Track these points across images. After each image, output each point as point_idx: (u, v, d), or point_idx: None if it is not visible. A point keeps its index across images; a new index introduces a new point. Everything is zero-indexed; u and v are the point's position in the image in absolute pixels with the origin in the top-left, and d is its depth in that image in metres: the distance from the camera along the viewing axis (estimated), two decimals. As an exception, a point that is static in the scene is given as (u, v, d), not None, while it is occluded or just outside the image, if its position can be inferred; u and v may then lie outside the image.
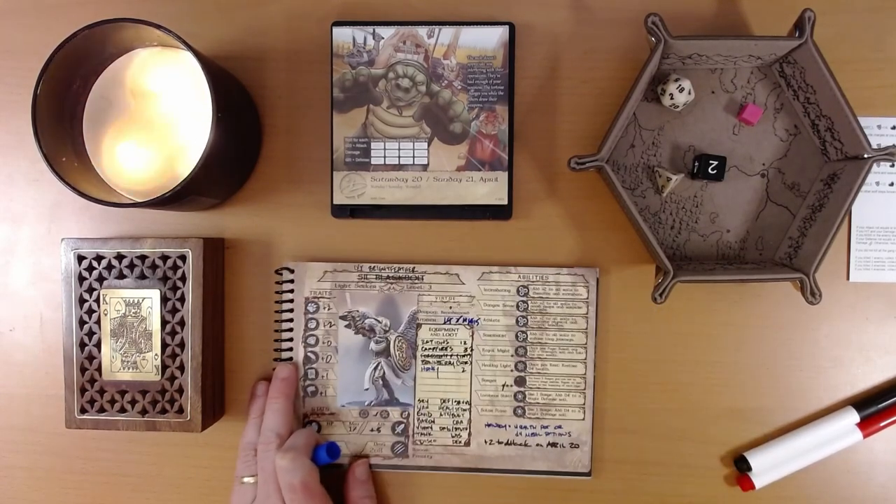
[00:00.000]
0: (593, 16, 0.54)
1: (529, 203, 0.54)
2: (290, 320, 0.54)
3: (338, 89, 0.53)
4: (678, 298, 0.54)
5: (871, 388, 0.54)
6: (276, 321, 0.54)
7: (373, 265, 0.54)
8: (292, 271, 0.54)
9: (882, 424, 0.53)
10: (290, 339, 0.54)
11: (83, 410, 0.52)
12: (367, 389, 0.54)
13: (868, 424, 0.53)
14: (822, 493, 0.54)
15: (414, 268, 0.54)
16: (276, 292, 0.54)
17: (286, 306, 0.54)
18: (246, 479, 0.50)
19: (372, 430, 0.54)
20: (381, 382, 0.54)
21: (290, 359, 0.54)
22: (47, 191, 0.56)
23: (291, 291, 0.54)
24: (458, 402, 0.54)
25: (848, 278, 0.54)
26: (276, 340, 0.54)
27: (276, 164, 0.55)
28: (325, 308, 0.54)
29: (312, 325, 0.54)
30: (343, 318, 0.54)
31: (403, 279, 0.54)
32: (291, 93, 0.55)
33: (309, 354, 0.54)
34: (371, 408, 0.54)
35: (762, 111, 0.52)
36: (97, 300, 0.53)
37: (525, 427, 0.54)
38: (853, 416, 0.53)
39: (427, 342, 0.54)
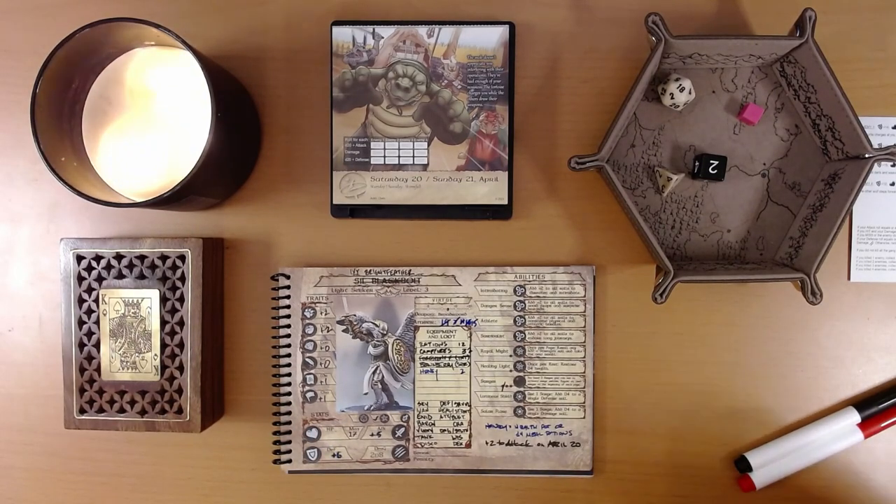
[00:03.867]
0: (593, 16, 0.54)
1: (529, 203, 0.54)
2: (288, 326, 0.54)
3: (337, 89, 0.53)
4: (678, 298, 0.54)
5: (872, 389, 0.54)
6: (274, 327, 0.54)
7: (369, 269, 0.54)
8: (288, 277, 0.54)
9: (883, 425, 0.53)
10: (289, 346, 0.54)
11: (82, 411, 0.52)
12: (366, 394, 0.54)
13: (869, 425, 0.53)
14: (822, 493, 0.54)
15: (410, 270, 0.54)
16: (273, 298, 0.54)
17: (283, 312, 0.54)
18: None
19: (372, 435, 0.54)
20: (380, 386, 0.54)
21: (289, 364, 0.54)
22: (46, 190, 0.56)
23: (288, 297, 0.54)
24: (458, 404, 0.54)
25: (849, 278, 0.54)
26: (274, 347, 0.54)
27: (276, 163, 0.55)
28: (322, 313, 0.54)
29: (310, 330, 0.54)
30: (340, 322, 0.54)
31: (400, 282, 0.54)
32: (291, 92, 0.55)
33: (307, 360, 0.54)
34: (371, 412, 0.54)
35: (763, 111, 0.52)
36: (96, 300, 0.52)
37: (526, 427, 0.54)
38: (854, 417, 0.53)
39: (425, 345, 0.54)
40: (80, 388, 0.52)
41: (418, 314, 0.54)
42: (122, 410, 0.52)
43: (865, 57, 0.53)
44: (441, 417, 0.54)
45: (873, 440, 0.54)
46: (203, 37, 0.55)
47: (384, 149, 0.53)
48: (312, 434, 0.54)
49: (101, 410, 0.52)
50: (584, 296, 0.54)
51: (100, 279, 0.53)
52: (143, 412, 0.52)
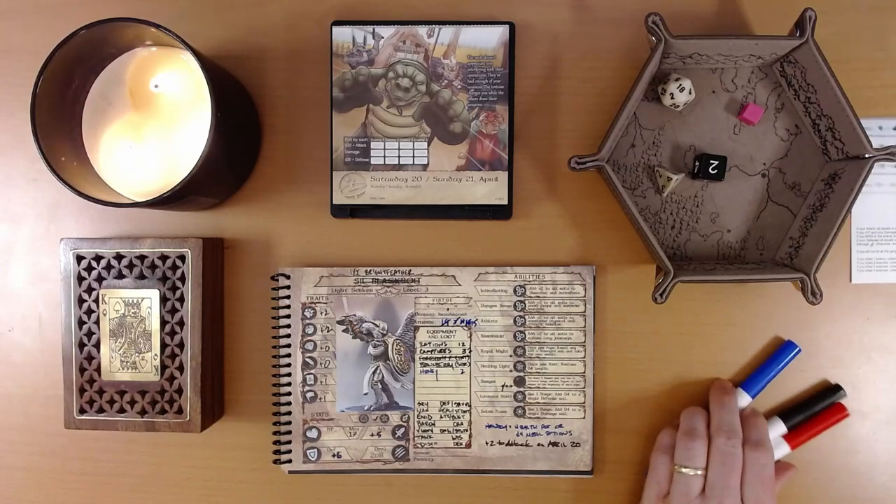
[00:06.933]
0: (593, 16, 0.54)
1: (529, 203, 0.54)
2: (288, 326, 0.54)
3: (337, 89, 0.53)
4: (678, 298, 0.54)
5: (797, 396, 0.54)
6: (274, 327, 0.54)
7: (369, 269, 0.54)
8: (288, 277, 0.54)
9: (808, 435, 0.52)
10: (289, 346, 0.54)
11: (82, 411, 0.52)
12: (366, 394, 0.54)
13: (794, 436, 0.52)
14: (823, 493, 0.54)
15: (410, 270, 0.54)
16: (273, 298, 0.54)
17: (283, 312, 0.54)
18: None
19: (372, 435, 0.54)
20: (380, 386, 0.54)
21: (289, 364, 0.54)
22: (46, 190, 0.56)
23: (288, 297, 0.54)
24: (458, 404, 0.54)
25: (850, 280, 0.54)
26: (274, 347, 0.54)
27: (276, 163, 0.55)
28: (322, 313, 0.54)
29: (310, 330, 0.54)
30: (340, 322, 0.54)
31: (400, 282, 0.54)
32: (291, 92, 0.55)
33: (307, 360, 0.54)
34: (371, 412, 0.54)
35: (763, 111, 0.52)
36: (96, 300, 0.52)
37: (526, 427, 0.54)
38: (780, 428, 0.52)
39: (425, 345, 0.54)
40: (80, 388, 0.52)
41: (418, 314, 0.54)
42: (122, 410, 0.52)
43: (865, 57, 0.53)
44: (441, 417, 0.54)
45: (874, 440, 0.54)
46: (203, 37, 0.55)
47: (384, 149, 0.53)
48: (312, 434, 0.54)
49: (101, 410, 0.52)
50: (584, 296, 0.53)
51: (100, 279, 0.53)
52: (143, 412, 0.52)
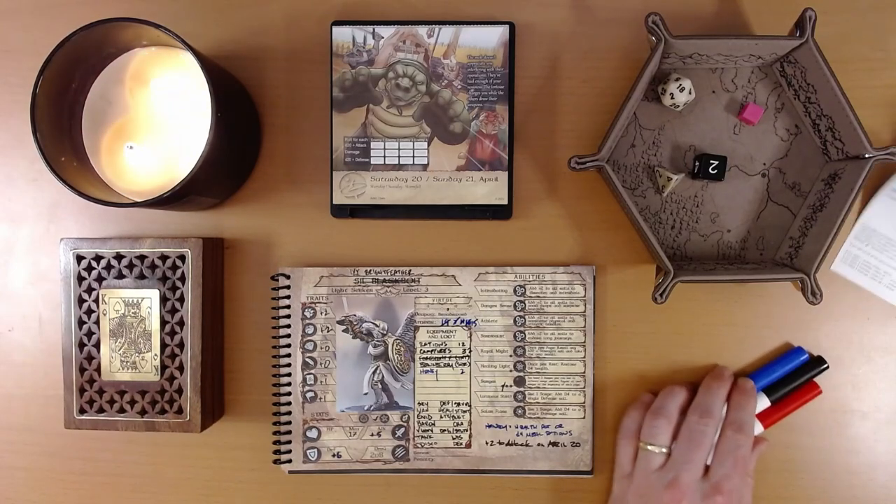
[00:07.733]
0: (593, 16, 0.54)
1: (529, 203, 0.54)
2: (288, 326, 0.54)
3: (337, 89, 0.53)
4: (678, 298, 0.54)
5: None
6: (274, 327, 0.54)
7: (369, 269, 0.54)
8: (288, 277, 0.54)
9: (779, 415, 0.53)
10: (289, 346, 0.54)
11: (82, 411, 0.52)
12: (366, 394, 0.54)
13: (767, 414, 0.53)
14: (823, 493, 0.54)
15: (410, 270, 0.54)
16: (273, 298, 0.54)
17: (283, 312, 0.54)
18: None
19: (372, 435, 0.54)
20: (380, 386, 0.54)
21: (289, 364, 0.54)
22: (46, 190, 0.56)
23: (288, 297, 0.54)
24: (458, 404, 0.54)
25: (829, 266, 0.53)
26: (274, 347, 0.54)
27: (276, 163, 0.55)
28: (322, 313, 0.54)
29: (310, 330, 0.54)
30: (340, 322, 0.54)
31: (400, 282, 0.54)
32: (291, 92, 0.55)
33: (307, 360, 0.54)
34: (371, 412, 0.54)
35: (763, 111, 0.52)
36: (96, 300, 0.52)
37: (526, 427, 0.54)
38: (764, 402, 0.53)
39: (425, 345, 0.54)
40: (80, 388, 0.52)
41: (418, 314, 0.54)
42: (122, 410, 0.52)
43: (865, 57, 0.53)
44: (441, 417, 0.54)
45: (874, 440, 0.54)
46: (203, 37, 0.55)
47: (384, 149, 0.53)
48: (312, 434, 0.54)
49: (101, 410, 0.52)
50: (584, 296, 0.54)
51: (100, 279, 0.53)
52: (143, 412, 0.52)
